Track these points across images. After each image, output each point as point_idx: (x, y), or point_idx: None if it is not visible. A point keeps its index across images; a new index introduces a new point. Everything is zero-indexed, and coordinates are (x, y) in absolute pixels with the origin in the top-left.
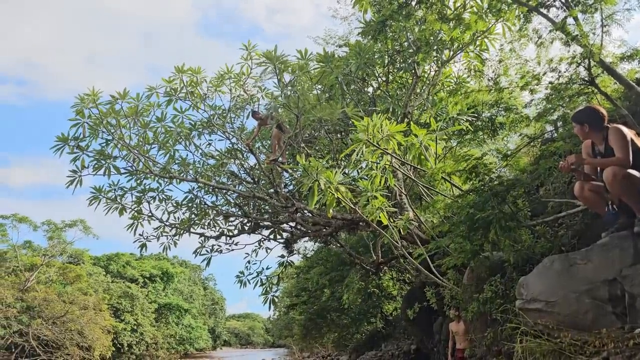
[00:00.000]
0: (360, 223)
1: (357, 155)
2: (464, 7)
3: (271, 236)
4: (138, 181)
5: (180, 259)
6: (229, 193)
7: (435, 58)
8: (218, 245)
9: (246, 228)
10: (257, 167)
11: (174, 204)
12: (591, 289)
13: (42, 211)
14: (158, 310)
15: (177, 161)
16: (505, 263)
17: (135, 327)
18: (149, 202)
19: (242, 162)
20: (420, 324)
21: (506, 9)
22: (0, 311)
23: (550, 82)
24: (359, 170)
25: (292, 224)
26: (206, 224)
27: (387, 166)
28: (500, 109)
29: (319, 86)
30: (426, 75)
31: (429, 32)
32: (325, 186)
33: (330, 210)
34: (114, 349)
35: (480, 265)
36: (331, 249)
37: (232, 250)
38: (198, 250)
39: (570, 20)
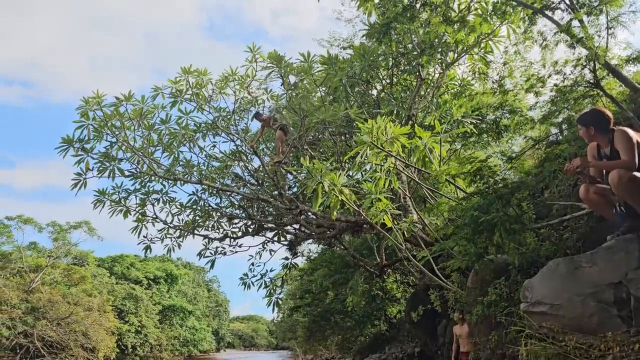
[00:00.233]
0: (364, 225)
1: (361, 157)
2: (469, 9)
3: (275, 238)
4: (142, 183)
5: (184, 260)
6: (233, 195)
7: (439, 60)
8: (222, 247)
9: (250, 230)
10: (261, 169)
11: (178, 206)
12: (596, 292)
13: (47, 212)
14: (162, 311)
15: (181, 163)
16: (509, 266)
17: (139, 329)
18: (153, 204)
19: (246, 164)
20: (424, 326)
21: (511, 11)
22: (5, 312)
23: (555, 85)
24: (363, 173)
25: (296, 226)
26: (210, 226)
27: (391, 168)
28: (504, 111)
29: (323, 88)
30: (430, 78)
31: (434, 35)
32: (329, 188)
33: (334, 213)
34: (118, 351)
35: (485, 268)
36: (335, 251)
37: (236, 252)
38: (202, 252)
39: (575, 23)
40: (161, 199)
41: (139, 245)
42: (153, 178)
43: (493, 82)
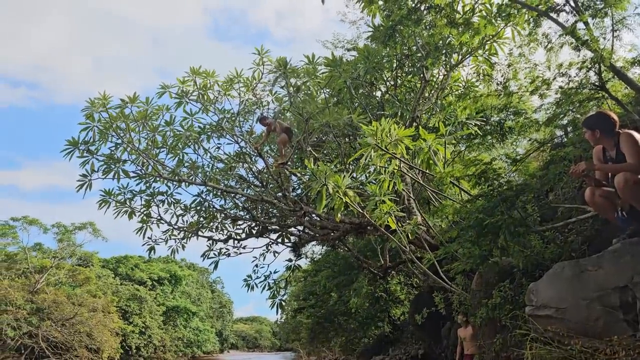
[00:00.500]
0: (368, 227)
1: (365, 159)
2: (473, 11)
3: (279, 240)
4: (147, 185)
5: (188, 262)
6: (237, 196)
7: (444, 62)
8: (226, 248)
9: (254, 231)
10: (265, 170)
11: (183, 207)
12: (602, 295)
13: (51, 214)
14: (166, 312)
15: (186, 165)
16: (514, 268)
17: (143, 330)
18: (157, 206)
19: (251, 166)
20: (428, 329)
21: (516, 13)
22: (10, 313)
23: (560, 87)
24: (367, 175)
25: (300, 228)
26: (214, 227)
27: (395, 170)
28: (509, 113)
29: (327, 90)
30: (435, 80)
31: (438, 37)
32: (333, 190)
33: (339, 214)
34: (122, 351)
35: (489, 270)
36: (339, 253)
37: (240, 253)
38: (206, 254)
39: (580, 25)
40: (166, 200)
41: (143, 247)
42: (158, 179)
43: (497, 84)
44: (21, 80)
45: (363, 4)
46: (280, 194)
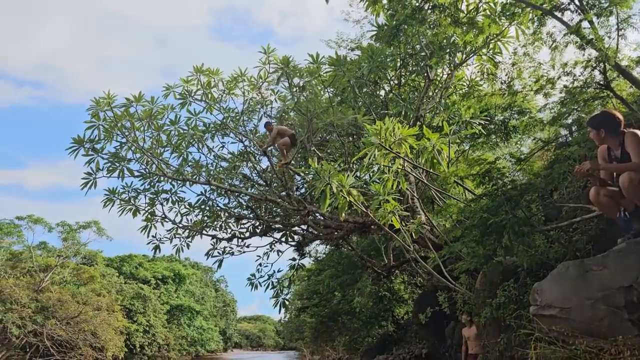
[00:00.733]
0: (372, 226)
1: (369, 158)
2: (477, 10)
3: (283, 239)
4: (151, 183)
5: (192, 260)
6: (241, 195)
7: (448, 61)
8: (230, 247)
9: (258, 230)
10: (269, 170)
11: (187, 206)
12: (607, 295)
13: (56, 212)
14: (170, 311)
15: (190, 164)
16: (518, 268)
17: (147, 328)
18: (162, 204)
19: (255, 165)
20: (432, 328)
21: (520, 12)
22: (15, 311)
23: (565, 86)
24: (371, 174)
25: (304, 227)
26: (218, 226)
27: (399, 169)
28: (513, 112)
29: (331, 89)
30: (439, 79)
31: (442, 36)
32: (337, 189)
33: (342, 213)
34: (126, 350)
35: (494, 270)
36: (343, 252)
37: (244, 252)
38: (210, 252)
39: (585, 24)
40: (170, 198)
41: (147, 245)
42: (162, 178)
43: (502, 83)
44: (26, 79)
45: (367, 3)
46: (284, 193)
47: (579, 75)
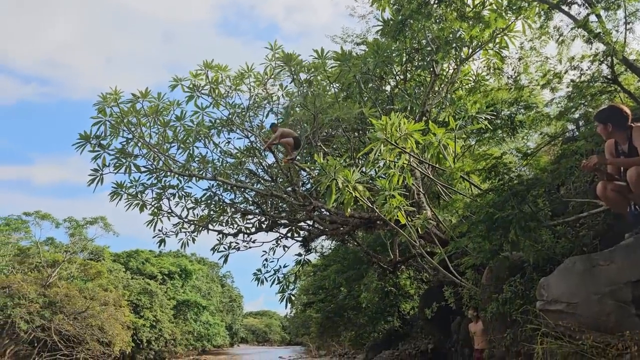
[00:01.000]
0: (378, 222)
1: (375, 153)
2: (483, 4)
3: (289, 234)
4: (158, 179)
5: (198, 256)
6: (247, 191)
7: (454, 56)
8: (236, 242)
9: (264, 226)
10: (275, 165)
11: (193, 201)
12: (614, 290)
13: (63, 208)
14: (176, 306)
15: (196, 159)
16: (525, 263)
17: (154, 324)
18: (168, 199)
19: (261, 161)
20: (438, 323)
21: (526, 6)
22: (23, 306)
23: (572, 80)
24: (377, 169)
25: (310, 222)
26: (224, 221)
27: (405, 165)
28: (520, 107)
29: (337, 85)
30: (445, 74)
31: (448, 30)
32: (342, 185)
33: (348, 209)
34: (133, 345)
35: (500, 265)
36: (348, 248)
37: (250, 247)
38: (216, 247)
39: (592, 18)
40: (177, 193)
41: (153, 240)
42: (169, 174)
43: (508, 77)
44: (33, 75)
45: None
46: (289, 188)
47: (586, 70)
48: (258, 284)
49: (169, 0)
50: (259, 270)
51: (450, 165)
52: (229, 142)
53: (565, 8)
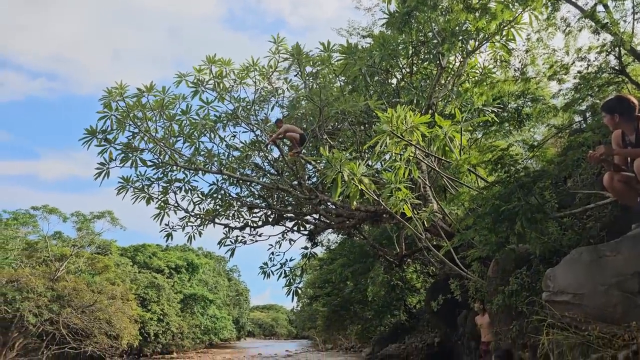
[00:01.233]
0: (384, 215)
1: (380, 146)
2: None
3: (295, 228)
4: (164, 173)
5: (204, 250)
6: (253, 185)
7: (460, 48)
8: (242, 236)
9: (270, 219)
10: (280, 159)
11: (200, 195)
12: (621, 281)
13: (71, 203)
14: (183, 300)
15: (202, 153)
16: (531, 255)
17: (161, 317)
18: (175, 193)
19: (266, 154)
20: (444, 316)
21: None
22: (32, 300)
23: (579, 72)
24: (383, 162)
25: (316, 216)
26: (230, 215)
27: (411, 158)
28: (526, 99)
29: (342, 78)
30: (451, 66)
31: (454, 23)
32: (348, 178)
33: (354, 202)
34: (140, 338)
35: (506, 257)
36: (354, 241)
37: (256, 241)
38: (222, 241)
39: (600, 8)
40: (183, 187)
41: (160, 233)
42: (175, 168)
43: (515, 70)
44: (40, 71)
45: None
46: (295, 182)
47: (594, 61)
48: (264, 277)
49: None
50: (266, 263)
51: (456, 157)
52: (234, 136)
53: None
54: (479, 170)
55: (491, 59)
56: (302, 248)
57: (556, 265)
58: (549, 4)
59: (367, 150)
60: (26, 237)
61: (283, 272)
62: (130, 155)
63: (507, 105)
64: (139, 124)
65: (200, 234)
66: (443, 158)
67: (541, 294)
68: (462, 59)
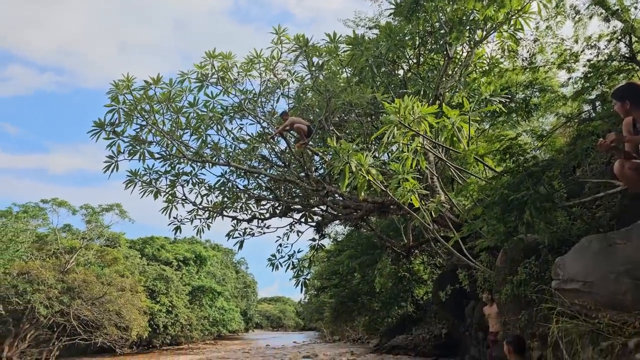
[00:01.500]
0: (391, 206)
1: (388, 137)
2: None
3: (302, 219)
4: (172, 165)
5: (212, 242)
6: (260, 177)
7: (467, 38)
8: (250, 228)
9: (277, 211)
10: (287, 151)
11: (207, 188)
12: (631, 269)
13: (80, 196)
14: (192, 292)
15: (209, 145)
16: (540, 245)
17: (170, 309)
18: (182, 186)
19: (273, 146)
20: (452, 307)
21: None
22: (42, 292)
23: (589, 60)
24: (390, 153)
25: (323, 208)
26: (238, 207)
27: (418, 148)
28: (535, 89)
29: (349, 69)
30: (458, 56)
31: (462, 12)
32: (356, 169)
33: (362, 193)
34: (150, 330)
35: (514, 247)
36: (362, 233)
37: (264, 233)
38: (231, 233)
39: None
40: (190, 180)
41: (169, 227)
42: (182, 160)
43: (523, 59)
44: (48, 65)
45: None
46: (302, 173)
47: (603, 49)
48: (272, 269)
49: None
50: (274, 255)
51: (464, 148)
52: (241, 129)
53: None
54: (487, 161)
55: (499, 49)
56: (309, 240)
57: (565, 254)
58: None
59: (374, 142)
60: (36, 229)
61: (291, 263)
62: (138, 148)
63: (515, 95)
64: (146, 116)
65: (208, 226)
66: (451, 148)
67: (550, 283)
68: (469, 49)
